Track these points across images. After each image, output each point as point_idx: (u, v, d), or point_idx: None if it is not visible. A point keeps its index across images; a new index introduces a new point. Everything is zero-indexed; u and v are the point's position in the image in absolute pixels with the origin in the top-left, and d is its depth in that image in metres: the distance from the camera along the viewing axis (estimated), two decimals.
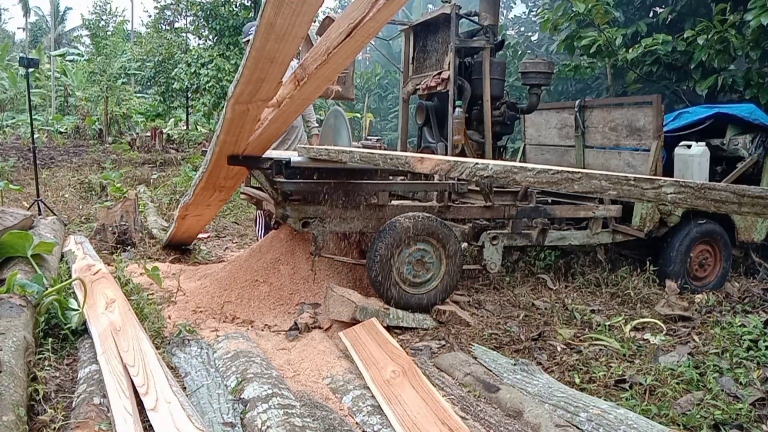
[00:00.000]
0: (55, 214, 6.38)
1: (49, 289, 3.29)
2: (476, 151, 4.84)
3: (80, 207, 7.82)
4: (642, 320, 4.25)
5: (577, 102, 5.76)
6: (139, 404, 2.38)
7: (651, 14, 8.93)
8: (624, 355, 3.61)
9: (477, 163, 2.41)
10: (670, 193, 2.03)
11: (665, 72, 7.60)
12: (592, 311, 4.39)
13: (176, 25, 16.35)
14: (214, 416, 2.50)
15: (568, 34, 8.03)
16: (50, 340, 2.99)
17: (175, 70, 14.09)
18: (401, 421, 2.59)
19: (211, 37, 14.31)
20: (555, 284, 5.00)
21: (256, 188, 4.82)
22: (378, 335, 3.52)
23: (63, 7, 35.32)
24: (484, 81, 4.79)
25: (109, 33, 21.15)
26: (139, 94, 22.81)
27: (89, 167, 11.68)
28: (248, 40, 5.70)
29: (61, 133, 18.55)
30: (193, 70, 13.24)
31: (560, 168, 2.23)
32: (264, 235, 6.49)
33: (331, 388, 3.12)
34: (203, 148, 6.96)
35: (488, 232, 4.66)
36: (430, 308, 4.16)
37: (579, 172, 2.18)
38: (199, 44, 15.58)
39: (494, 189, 4.84)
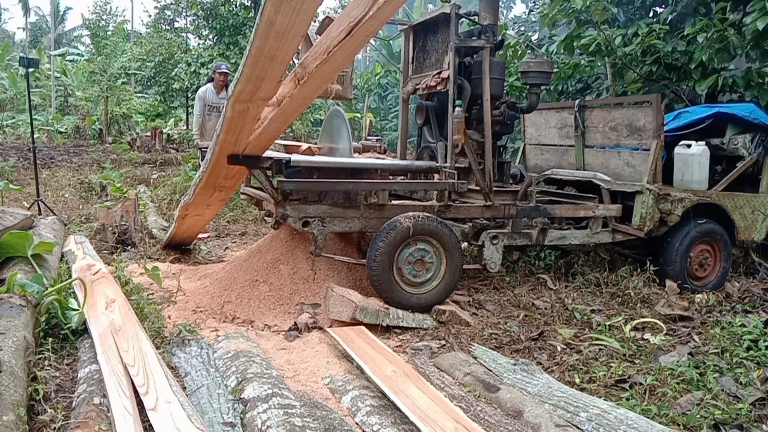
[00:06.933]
0: (55, 214, 6.38)
1: (49, 289, 3.29)
2: (476, 150, 4.83)
3: (80, 207, 7.82)
4: (642, 320, 4.24)
5: (577, 102, 5.75)
6: (139, 404, 2.38)
7: (651, 14, 8.93)
8: (624, 355, 3.61)
9: None
10: None
11: (665, 72, 7.58)
12: (592, 311, 4.39)
13: (176, 25, 16.35)
14: (214, 416, 2.50)
15: (568, 34, 8.02)
16: (50, 339, 2.99)
17: (175, 70, 14.07)
18: (412, 410, 2.60)
19: (211, 36, 14.30)
20: (555, 284, 5.00)
21: (256, 188, 4.82)
22: (371, 341, 3.52)
23: (63, 7, 35.27)
24: (483, 80, 4.78)
25: (109, 33, 21.14)
26: (139, 94, 22.78)
27: (89, 167, 11.68)
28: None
29: (61, 133, 18.53)
30: (193, 70, 13.23)
31: None
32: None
33: (331, 389, 3.12)
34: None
35: (488, 231, 4.66)
36: (430, 308, 4.16)
37: None
38: (199, 44, 15.55)
39: (494, 188, 4.84)
